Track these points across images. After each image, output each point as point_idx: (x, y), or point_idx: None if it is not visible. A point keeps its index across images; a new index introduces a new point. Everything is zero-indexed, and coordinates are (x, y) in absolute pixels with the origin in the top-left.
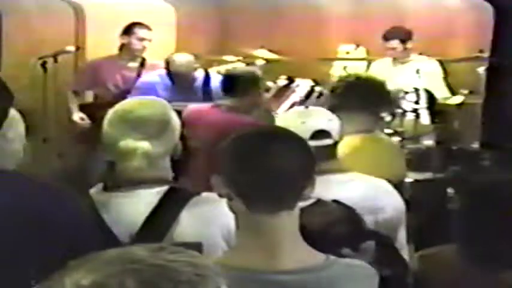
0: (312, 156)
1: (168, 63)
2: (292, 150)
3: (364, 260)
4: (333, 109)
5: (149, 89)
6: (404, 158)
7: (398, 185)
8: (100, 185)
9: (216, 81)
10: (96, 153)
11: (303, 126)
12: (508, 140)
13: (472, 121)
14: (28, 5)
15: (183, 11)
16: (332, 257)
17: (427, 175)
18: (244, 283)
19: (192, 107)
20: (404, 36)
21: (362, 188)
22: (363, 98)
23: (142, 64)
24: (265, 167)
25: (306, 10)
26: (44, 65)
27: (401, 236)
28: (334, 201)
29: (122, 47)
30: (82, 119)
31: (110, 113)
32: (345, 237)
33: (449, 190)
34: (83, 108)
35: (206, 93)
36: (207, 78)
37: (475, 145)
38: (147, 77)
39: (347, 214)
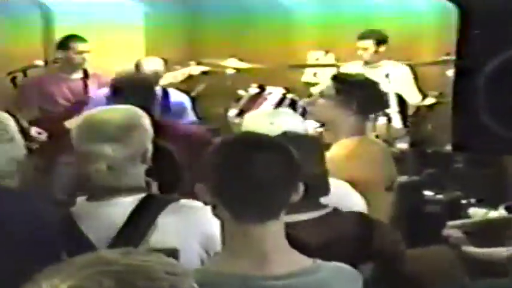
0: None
1: (137, 66)
2: (277, 159)
3: None
4: (330, 113)
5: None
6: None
7: (393, 185)
8: (83, 196)
9: (175, 96)
10: (56, 166)
11: (271, 127)
12: (479, 142)
13: (444, 123)
14: None
15: (153, 21)
16: (318, 261)
17: (403, 178)
18: None
19: None
20: (379, 37)
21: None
22: (363, 100)
23: (86, 75)
24: (250, 177)
25: (275, 18)
26: (13, 80)
27: None
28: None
29: (58, 61)
30: (39, 133)
31: (79, 118)
32: (346, 256)
33: (426, 193)
34: (37, 123)
35: (164, 108)
36: (165, 93)
37: (449, 147)
38: (102, 91)
39: (358, 229)
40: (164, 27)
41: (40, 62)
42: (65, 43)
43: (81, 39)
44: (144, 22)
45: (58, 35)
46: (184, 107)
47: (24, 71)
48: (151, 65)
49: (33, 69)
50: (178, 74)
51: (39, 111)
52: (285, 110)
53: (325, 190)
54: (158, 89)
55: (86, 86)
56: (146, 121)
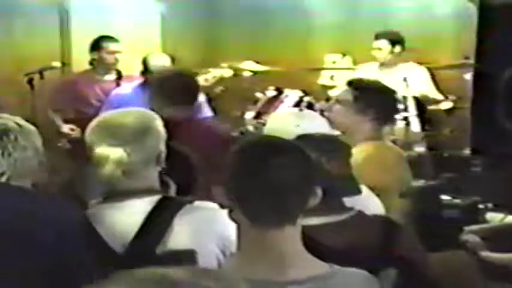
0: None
1: (144, 62)
2: (294, 163)
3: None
4: (346, 119)
5: (121, 102)
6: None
7: (408, 190)
8: (99, 198)
9: None
10: (85, 168)
11: (297, 129)
12: (497, 145)
13: (462, 127)
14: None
15: (170, 23)
16: (336, 266)
17: (420, 182)
18: None
19: None
20: (394, 38)
21: None
22: (379, 107)
23: (120, 76)
24: (267, 181)
25: (292, 21)
26: (30, 81)
27: None
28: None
29: (93, 62)
30: (72, 129)
31: (93, 121)
32: (368, 261)
33: (443, 197)
34: (71, 123)
35: None
36: None
37: (467, 151)
38: (119, 90)
39: (382, 233)
40: (181, 30)
41: (57, 64)
42: (98, 43)
43: (113, 39)
44: (161, 24)
45: (75, 37)
46: (199, 103)
47: (41, 73)
48: (158, 60)
49: (50, 70)
50: (210, 77)
51: (74, 112)
52: (310, 112)
53: (354, 190)
54: None
55: (119, 87)
56: (159, 123)
